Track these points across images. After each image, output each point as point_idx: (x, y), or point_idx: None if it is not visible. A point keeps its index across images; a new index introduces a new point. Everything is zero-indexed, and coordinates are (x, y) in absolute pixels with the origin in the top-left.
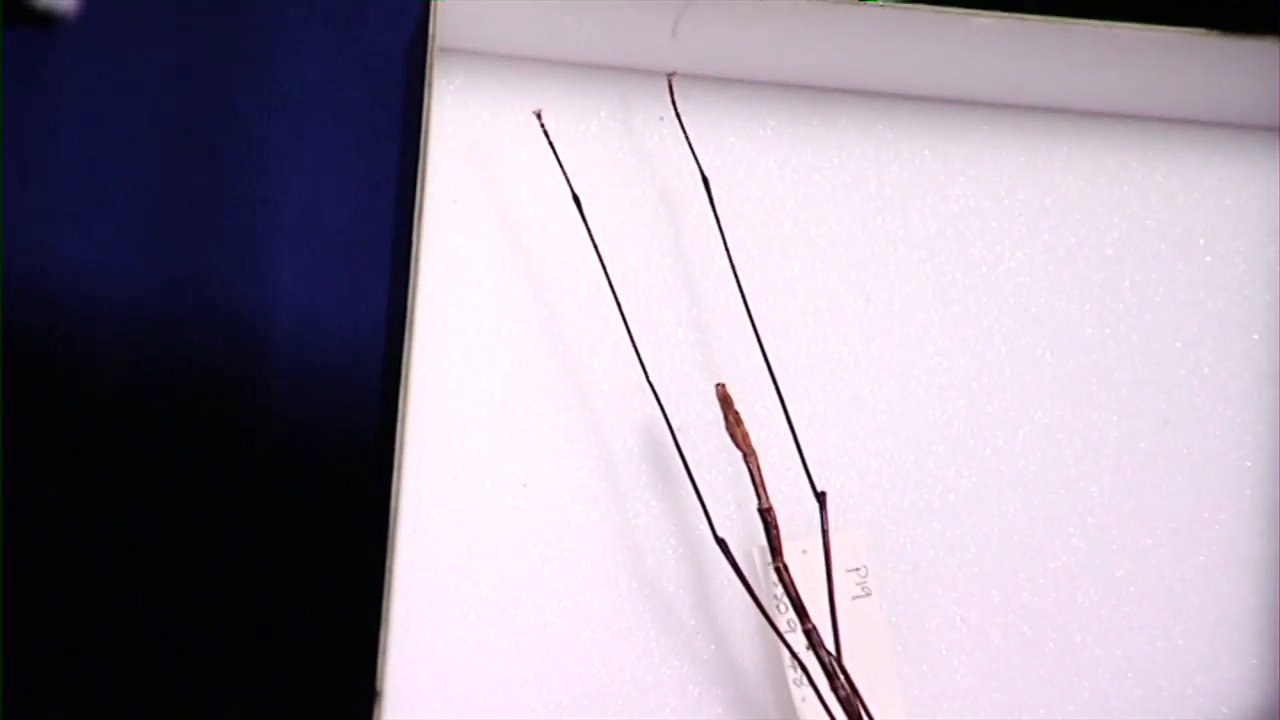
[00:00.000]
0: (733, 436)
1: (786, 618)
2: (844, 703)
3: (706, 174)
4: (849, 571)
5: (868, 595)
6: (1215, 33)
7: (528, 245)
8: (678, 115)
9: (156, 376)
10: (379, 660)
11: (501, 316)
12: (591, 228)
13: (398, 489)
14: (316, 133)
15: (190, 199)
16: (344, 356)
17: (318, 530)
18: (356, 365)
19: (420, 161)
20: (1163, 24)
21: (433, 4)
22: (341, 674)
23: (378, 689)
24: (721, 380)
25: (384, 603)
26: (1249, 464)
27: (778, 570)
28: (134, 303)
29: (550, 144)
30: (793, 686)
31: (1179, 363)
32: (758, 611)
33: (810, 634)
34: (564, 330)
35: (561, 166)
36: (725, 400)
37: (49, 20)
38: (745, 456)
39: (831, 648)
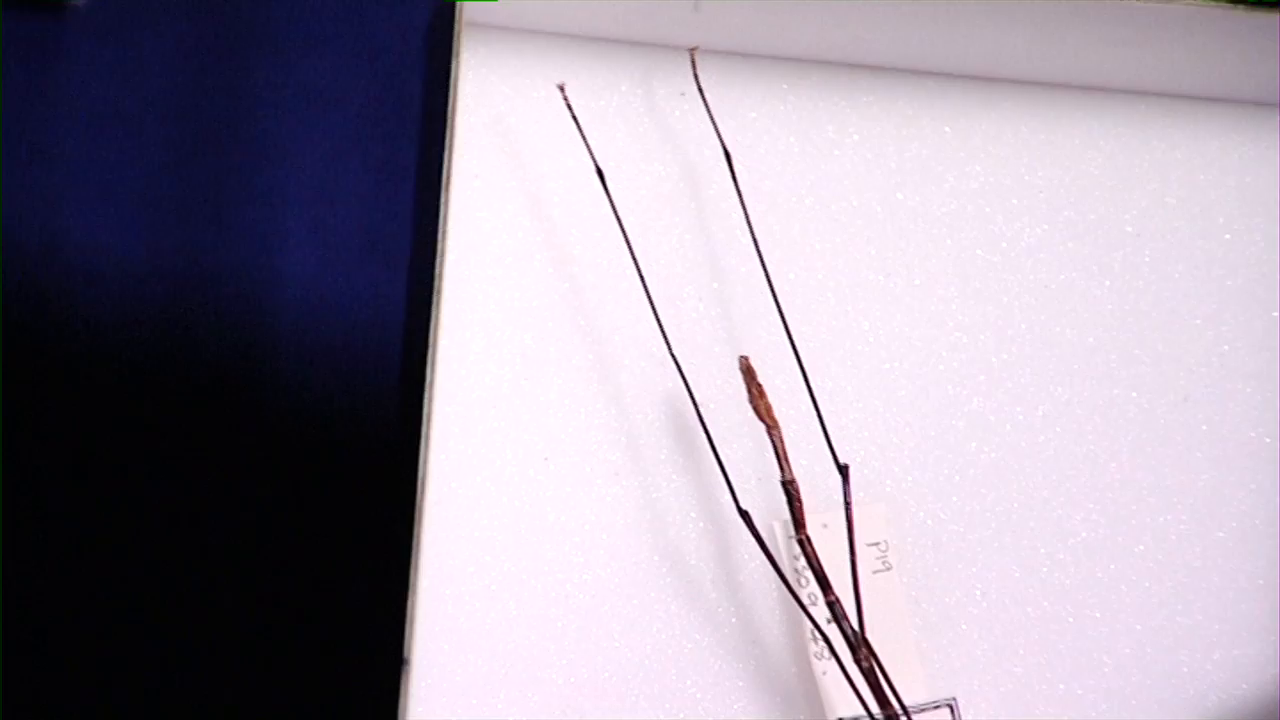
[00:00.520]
0: (756, 409)
1: (808, 591)
2: (866, 675)
3: (728, 148)
4: (869, 546)
5: (888, 569)
6: (1237, 7)
7: (550, 219)
8: (700, 90)
9: (169, 364)
10: (407, 630)
11: (524, 290)
12: (614, 202)
13: (424, 463)
14: (328, 119)
15: (200, 186)
16: (358, 341)
17: (345, 506)
18: (370, 348)
19: (448, 136)
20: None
21: None
22: (371, 643)
23: (406, 657)
24: (744, 353)
25: (411, 574)
26: (1269, 440)
27: (801, 543)
28: (144, 290)
29: (574, 118)
30: (814, 659)
31: (1198, 339)
32: (779, 584)
33: (833, 606)
34: (586, 303)
35: (585, 140)
36: (748, 373)
37: (58, 6)
38: (769, 429)
39: (854, 621)
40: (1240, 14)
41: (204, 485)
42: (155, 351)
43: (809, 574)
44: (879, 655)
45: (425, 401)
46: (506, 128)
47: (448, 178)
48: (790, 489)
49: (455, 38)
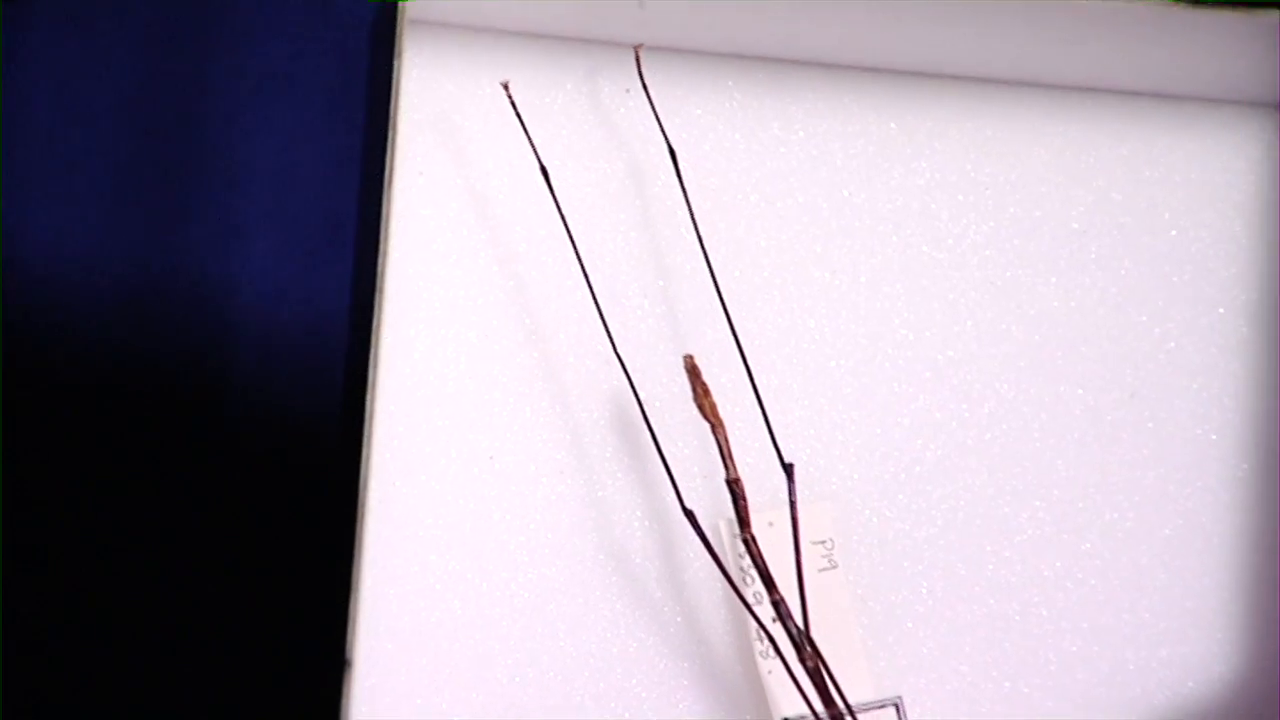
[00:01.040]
0: (700, 408)
1: (753, 589)
2: (812, 674)
3: (673, 146)
4: (815, 544)
5: (834, 568)
6: (1181, 5)
7: (494, 217)
8: (645, 87)
9: (123, 352)
10: (349, 630)
11: (468, 288)
12: (558, 199)
13: (367, 461)
14: (285, 109)
15: (158, 176)
16: (313, 333)
17: (288, 504)
18: (324, 341)
19: (390, 134)
20: None
21: None
22: (313, 644)
23: (348, 658)
24: (689, 352)
25: (354, 574)
26: (1214, 437)
27: (746, 542)
28: (100, 279)
29: (518, 115)
30: (759, 658)
31: (1145, 336)
32: (724, 583)
33: (778, 605)
34: (531, 302)
35: (529, 138)
36: (693, 371)
37: None
38: (713, 428)
39: (799, 619)
40: (1185, 11)
41: (147, 481)
42: (112, 341)
43: (754, 573)
44: (824, 654)
45: (368, 399)
46: (450, 125)
47: (390, 174)
48: (735, 487)
49: (398, 34)
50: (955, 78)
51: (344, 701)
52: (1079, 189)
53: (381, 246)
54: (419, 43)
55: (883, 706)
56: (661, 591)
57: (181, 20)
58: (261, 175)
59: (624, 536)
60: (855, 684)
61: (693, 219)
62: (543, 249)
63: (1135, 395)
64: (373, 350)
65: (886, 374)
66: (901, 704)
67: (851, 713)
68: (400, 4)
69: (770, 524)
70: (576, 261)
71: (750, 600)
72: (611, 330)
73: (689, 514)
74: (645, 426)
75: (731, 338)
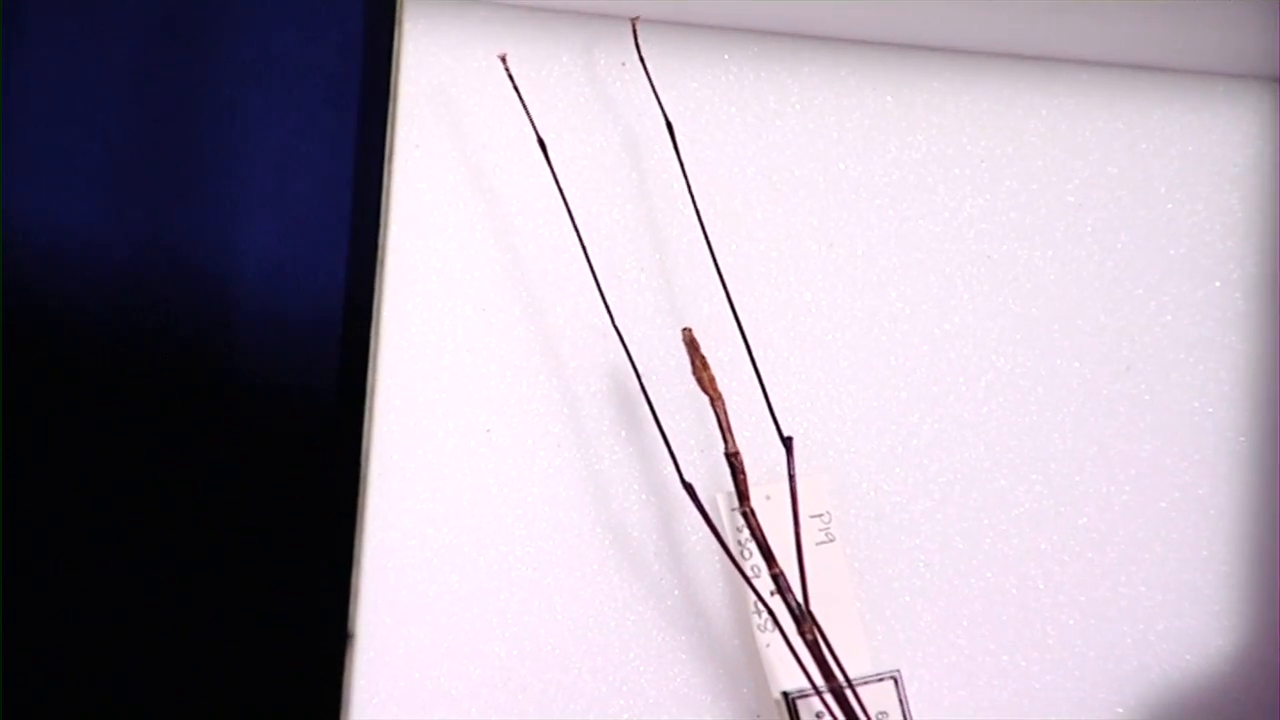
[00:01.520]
0: (699, 381)
1: (752, 563)
2: (810, 647)
3: (670, 119)
4: (813, 517)
5: (831, 541)
6: None
7: (492, 190)
8: (642, 60)
9: (124, 334)
10: (351, 603)
11: (466, 261)
12: (556, 172)
13: (368, 436)
14: (285, 92)
15: (158, 159)
16: (313, 311)
17: (290, 480)
18: (325, 319)
19: (391, 107)
20: None
21: None
22: (315, 617)
23: (350, 631)
24: (687, 325)
25: (356, 548)
26: (1211, 410)
27: (744, 515)
28: (105, 264)
29: (515, 88)
30: (757, 632)
31: (1141, 309)
32: (722, 557)
33: (777, 579)
34: (528, 275)
35: (527, 111)
36: (692, 345)
37: None
38: (712, 401)
39: (798, 593)
40: None
41: (151, 459)
42: (113, 323)
43: (752, 546)
44: (823, 627)
45: (369, 373)
46: (448, 98)
47: (390, 148)
48: (734, 461)
49: (398, 7)
50: (952, 51)
51: (346, 673)
52: (1075, 162)
53: (382, 220)
54: (416, 15)
55: (881, 680)
56: (660, 565)
57: (182, 3)
58: (262, 157)
59: (622, 510)
60: (853, 657)
61: (690, 192)
62: (540, 222)
63: (1132, 368)
64: (373, 324)
65: (883, 347)
66: (900, 677)
67: (851, 686)
68: None
69: (768, 497)
70: (574, 235)
71: (749, 574)
72: (609, 303)
73: (688, 487)
74: (644, 400)
75: (729, 311)
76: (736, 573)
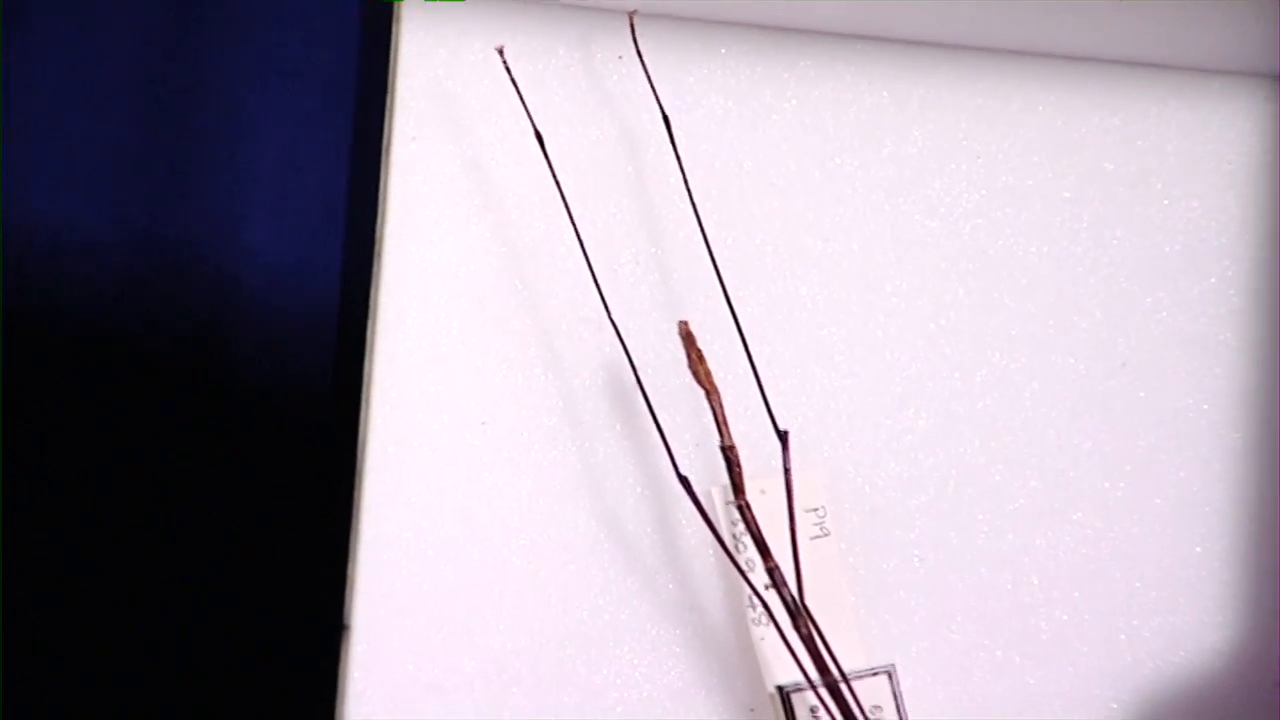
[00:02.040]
0: (695, 374)
1: (746, 557)
2: (805, 641)
3: (667, 113)
4: (807, 511)
5: (826, 535)
6: None
7: (489, 183)
8: (639, 54)
9: (125, 332)
10: (347, 595)
11: (462, 254)
12: (553, 165)
13: (364, 427)
14: (286, 92)
15: (164, 158)
16: (312, 308)
17: (287, 472)
18: (323, 315)
19: (389, 100)
20: None
21: None
22: (311, 608)
23: (346, 622)
24: (683, 318)
25: (351, 539)
26: (1206, 407)
27: (740, 508)
28: (108, 264)
29: (512, 81)
30: (752, 626)
31: (1137, 306)
32: (717, 550)
33: (772, 573)
34: (525, 267)
35: (524, 104)
36: (688, 338)
37: None
38: (708, 394)
39: (792, 587)
40: None
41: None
42: (114, 322)
43: (747, 540)
44: (817, 622)
45: (365, 365)
46: (445, 90)
47: (388, 141)
48: (729, 454)
49: (396, 3)
50: (949, 46)
51: (341, 665)
52: (1071, 158)
53: (379, 213)
54: (413, 8)
55: (875, 674)
56: (654, 558)
57: (181, 6)
58: (263, 156)
59: (617, 503)
60: (847, 652)
61: (686, 186)
62: (536, 215)
63: (1127, 364)
64: (369, 316)
65: (879, 342)
66: (894, 672)
67: (845, 680)
68: None
69: (762, 491)
70: (570, 227)
71: (744, 567)
72: (605, 297)
73: (683, 480)
74: (639, 393)
75: (725, 304)
76: (731, 566)
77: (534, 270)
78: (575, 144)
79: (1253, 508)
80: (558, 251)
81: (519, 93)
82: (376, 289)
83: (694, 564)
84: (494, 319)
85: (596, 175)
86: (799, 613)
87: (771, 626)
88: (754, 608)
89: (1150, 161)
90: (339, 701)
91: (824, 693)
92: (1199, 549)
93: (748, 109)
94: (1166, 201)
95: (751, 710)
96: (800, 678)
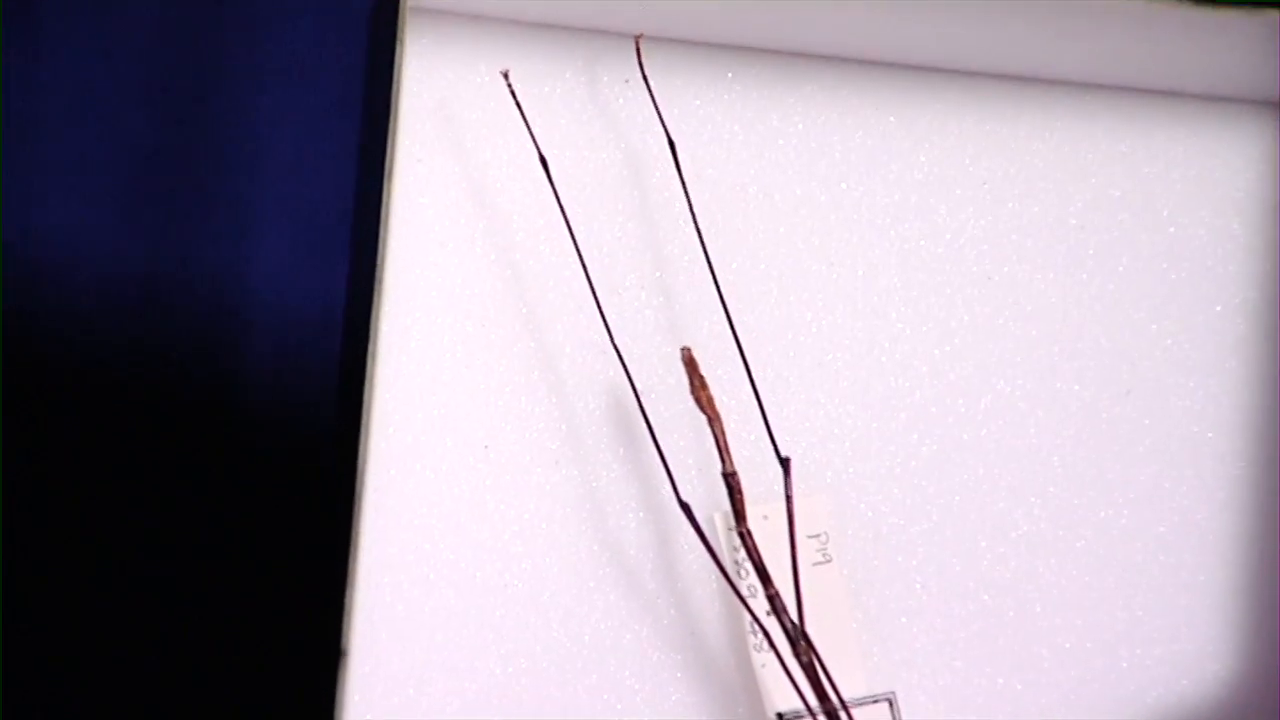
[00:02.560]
0: (697, 400)
1: (748, 583)
2: (806, 668)
3: (672, 137)
4: (810, 538)
5: (828, 561)
6: (1182, 3)
7: (493, 206)
8: (644, 77)
9: (132, 342)
10: (345, 620)
11: (466, 277)
12: (557, 189)
13: (364, 450)
14: (297, 101)
15: (168, 168)
16: (319, 323)
17: (286, 493)
18: (329, 331)
19: (391, 122)
20: None
21: None
22: (309, 634)
23: (344, 648)
24: (686, 344)
25: (350, 564)
26: (1210, 435)
27: (741, 535)
28: (109, 269)
29: (517, 104)
30: (753, 652)
31: (1142, 333)
32: (719, 576)
33: (773, 599)
34: (528, 291)
35: (528, 127)
36: (690, 364)
37: None
38: (710, 420)
39: (794, 614)
40: (1185, 9)
41: (153, 469)
42: (121, 331)
43: (749, 566)
44: (818, 648)
45: (366, 388)
46: (450, 113)
47: (391, 163)
48: (731, 480)
49: (400, 22)
50: (955, 72)
51: (339, 690)
52: (1077, 185)
53: (381, 234)
54: (419, 30)
55: (876, 701)
56: (656, 584)
57: (191, 10)
58: (273, 167)
59: (619, 528)
60: (849, 679)
61: (691, 210)
62: (540, 238)
63: (1132, 392)
64: (371, 338)
65: (883, 368)
66: (895, 699)
67: (845, 708)
68: None
69: (765, 517)
70: (574, 251)
71: (745, 594)
72: (609, 321)
73: (685, 506)
74: (642, 418)
75: (729, 330)
76: (733, 593)
77: (537, 294)
78: (580, 167)
79: (1256, 536)
80: (561, 275)
81: (524, 116)
82: (377, 311)
83: (695, 590)
84: (497, 342)
85: (601, 199)
86: (799, 639)
87: (772, 653)
88: (755, 634)
89: (1156, 188)
90: None
91: None
92: (1202, 577)
93: (754, 133)
94: (1173, 229)
95: None
96: (801, 705)
